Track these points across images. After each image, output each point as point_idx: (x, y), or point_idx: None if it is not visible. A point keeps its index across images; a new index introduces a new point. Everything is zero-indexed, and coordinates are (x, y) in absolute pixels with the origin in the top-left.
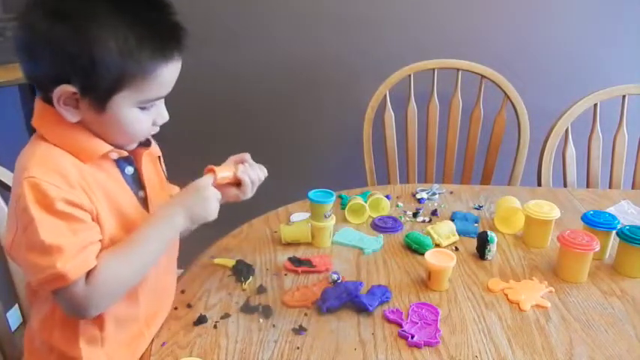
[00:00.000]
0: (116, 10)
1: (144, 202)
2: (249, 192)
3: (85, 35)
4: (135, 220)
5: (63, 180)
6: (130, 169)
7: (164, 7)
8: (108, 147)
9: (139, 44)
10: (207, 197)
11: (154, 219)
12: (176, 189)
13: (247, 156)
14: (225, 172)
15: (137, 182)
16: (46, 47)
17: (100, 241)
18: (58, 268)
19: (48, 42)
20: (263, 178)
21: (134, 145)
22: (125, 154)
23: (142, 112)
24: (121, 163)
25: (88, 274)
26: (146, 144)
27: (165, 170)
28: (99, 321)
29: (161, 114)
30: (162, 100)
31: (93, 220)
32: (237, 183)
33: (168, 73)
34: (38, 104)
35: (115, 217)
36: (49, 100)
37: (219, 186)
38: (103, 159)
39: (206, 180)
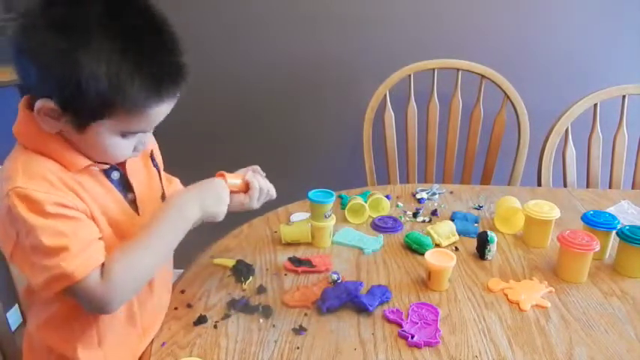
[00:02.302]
0: (116, 37)
1: (133, 204)
2: (255, 197)
3: (76, 60)
4: (124, 224)
5: (49, 185)
6: (116, 174)
7: (171, 46)
8: (87, 161)
9: (131, 80)
10: (221, 195)
11: (167, 208)
12: (175, 180)
13: (257, 168)
14: (234, 178)
15: (125, 185)
16: (34, 60)
17: (100, 238)
18: (63, 267)
19: (37, 55)
20: (272, 193)
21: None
22: (106, 167)
23: (124, 139)
24: (106, 169)
25: (103, 270)
26: None
27: (159, 163)
28: (95, 325)
29: (143, 142)
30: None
31: (89, 218)
32: (245, 190)
33: (160, 111)
34: (21, 110)
35: (105, 222)
36: (31, 107)
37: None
38: (86, 167)
39: (221, 181)
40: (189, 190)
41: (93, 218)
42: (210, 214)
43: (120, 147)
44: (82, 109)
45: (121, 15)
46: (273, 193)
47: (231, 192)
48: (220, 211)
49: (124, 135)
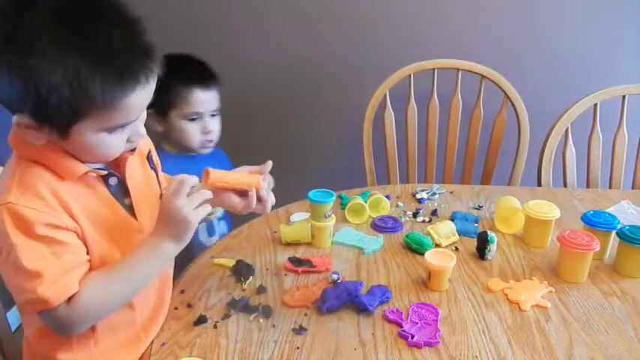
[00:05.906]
0: (68, 34)
1: (130, 209)
2: (268, 205)
3: (30, 71)
4: (121, 231)
5: (42, 202)
6: (113, 180)
7: (129, 26)
8: (84, 168)
9: (92, 75)
10: (183, 217)
11: (141, 248)
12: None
13: (268, 167)
14: (224, 175)
15: (122, 190)
16: None
17: (89, 260)
18: (39, 294)
19: None
20: (268, 206)
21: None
22: (103, 173)
23: (112, 134)
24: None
25: (70, 296)
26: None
27: (156, 164)
28: (92, 329)
29: (136, 132)
30: (140, 117)
31: (79, 237)
32: (241, 192)
33: (135, 100)
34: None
35: (101, 232)
36: None
37: (217, 190)
38: (84, 175)
39: (172, 192)
40: (158, 226)
41: (83, 235)
42: (187, 237)
43: (110, 143)
44: (54, 117)
45: (69, 15)
46: (268, 206)
47: (222, 189)
48: (192, 227)
49: (110, 131)
